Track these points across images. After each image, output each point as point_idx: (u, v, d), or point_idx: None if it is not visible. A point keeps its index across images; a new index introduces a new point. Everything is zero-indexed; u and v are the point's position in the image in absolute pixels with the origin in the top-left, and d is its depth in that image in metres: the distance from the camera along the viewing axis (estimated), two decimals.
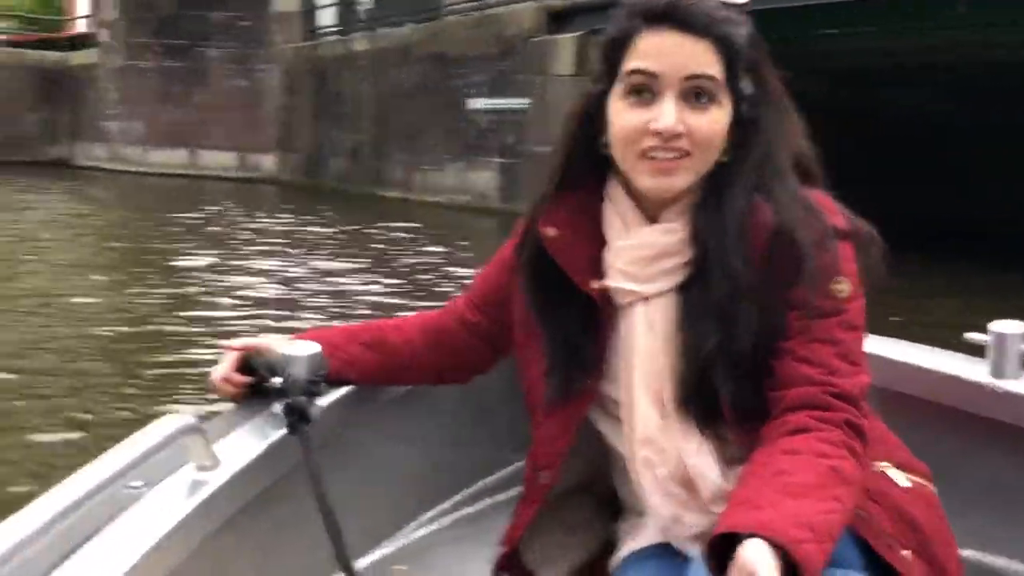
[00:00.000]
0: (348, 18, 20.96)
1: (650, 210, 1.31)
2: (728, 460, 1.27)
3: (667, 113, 1.23)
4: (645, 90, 1.25)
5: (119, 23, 22.93)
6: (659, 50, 1.23)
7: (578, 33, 13.69)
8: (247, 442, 1.43)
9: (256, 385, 1.53)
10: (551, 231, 1.35)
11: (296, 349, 1.49)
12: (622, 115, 1.26)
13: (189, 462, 1.32)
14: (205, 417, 1.43)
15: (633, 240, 1.31)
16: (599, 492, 1.46)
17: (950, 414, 1.75)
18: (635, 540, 1.38)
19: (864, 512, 1.20)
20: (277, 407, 1.46)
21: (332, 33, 21.13)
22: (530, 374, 1.41)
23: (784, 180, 1.27)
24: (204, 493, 1.28)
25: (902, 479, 1.31)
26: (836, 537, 1.09)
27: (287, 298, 8.25)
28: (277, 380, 1.48)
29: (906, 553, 1.21)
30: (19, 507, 1.07)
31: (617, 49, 1.27)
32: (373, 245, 11.79)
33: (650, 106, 1.24)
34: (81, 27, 30.12)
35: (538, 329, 1.38)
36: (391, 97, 17.76)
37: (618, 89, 1.27)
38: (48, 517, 1.04)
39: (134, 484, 1.24)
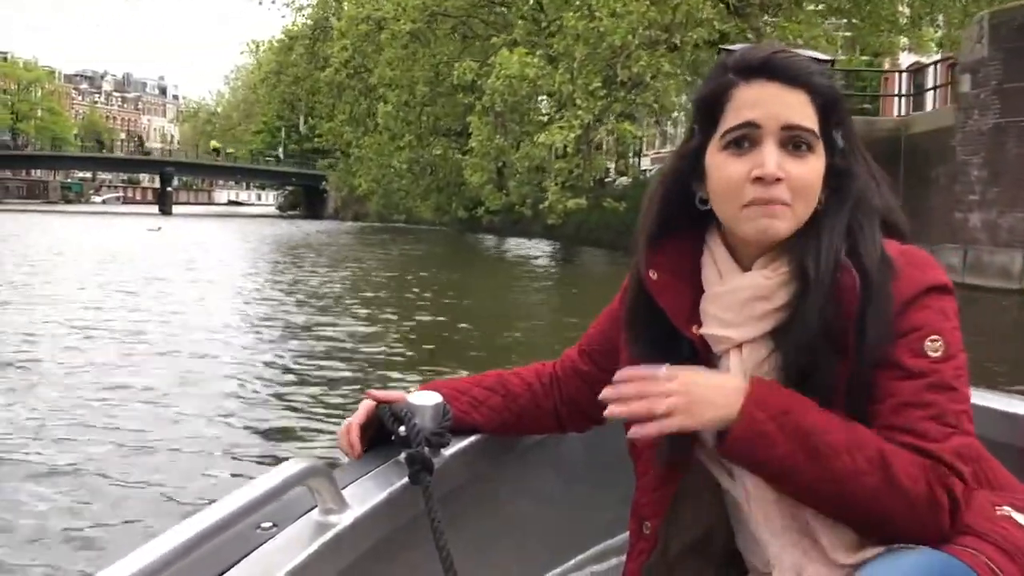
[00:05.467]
0: None
1: (745, 260, 1.34)
2: None
3: (769, 159, 1.25)
4: (745, 140, 1.27)
5: (989, 64, 15.05)
6: (758, 101, 1.27)
7: None
8: (373, 489, 1.45)
9: (381, 434, 1.56)
10: (653, 274, 1.39)
11: (419, 399, 1.56)
12: (723, 167, 1.29)
13: (316, 505, 1.35)
14: (333, 462, 1.50)
15: (727, 286, 1.34)
16: (719, 553, 1.40)
17: None
18: None
19: (982, 555, 1.17)
20: (403, 455, 1.48)
21: None
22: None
23: (869, 232, 1.28)
24: (330, 535, 1.31)
25: None
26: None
27: None
28: (402, 430, 1.50)
29: None
30: None
31: (714, 104, 1.30)
32: None
33: (750, 155, 1.27)
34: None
35: None
36: None
37: (717, 142, 1.30)
38: (176, 549, 1.05)
39: (264, 525, 1.29)
